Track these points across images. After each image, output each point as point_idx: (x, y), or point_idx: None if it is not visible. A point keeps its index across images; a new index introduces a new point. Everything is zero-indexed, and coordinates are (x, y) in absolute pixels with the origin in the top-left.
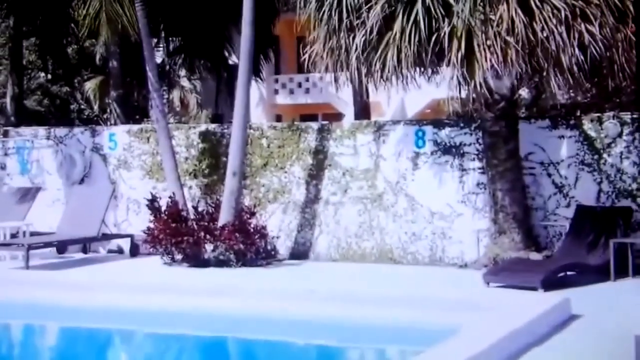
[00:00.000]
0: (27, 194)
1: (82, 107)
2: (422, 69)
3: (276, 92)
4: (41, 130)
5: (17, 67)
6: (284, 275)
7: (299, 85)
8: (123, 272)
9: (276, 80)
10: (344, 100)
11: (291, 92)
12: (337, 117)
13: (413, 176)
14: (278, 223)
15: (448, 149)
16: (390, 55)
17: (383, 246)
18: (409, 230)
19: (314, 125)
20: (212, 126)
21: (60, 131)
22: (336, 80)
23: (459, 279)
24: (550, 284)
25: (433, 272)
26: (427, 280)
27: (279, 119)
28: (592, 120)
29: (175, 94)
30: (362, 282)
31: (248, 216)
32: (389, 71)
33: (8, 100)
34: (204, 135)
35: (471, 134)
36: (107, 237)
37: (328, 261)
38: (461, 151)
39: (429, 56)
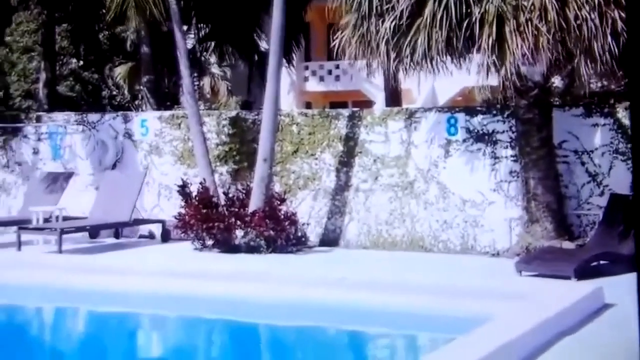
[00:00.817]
0: (60, 179)
1: (114, 93)
2: (453, 55)
3: (306, 79)
4: (74, 116)
5: (50, 54)
6: (314, 262)
7: (329, 72)
8: (154, 257)
9: (306, 68)
10: (374, 87)
11: (321, 79)
12: (367, 104)
13: (445, 164)
14: (308, 210)
15: (480, 137)
16: (420, 40)
17: (414, 234)
18: (440, 218)
19: (345, 112)
20: (243, 112)
21: (93, 117)
22: (366, 66)
23: (490, 267)
24: (583, 273)
25: (464, 261)
26: (458, 268)
27: (308, 106)
28: (626, 109)
29: (206, 81)
30: (392, 270)
31: (278, 203)
32: (419, 56)
33: (41, 86)
34: (235, 122)
35: (504, 122)
36: (138, 222)
37: (358, 248)
38: (494, 139)
39: (460, 42)
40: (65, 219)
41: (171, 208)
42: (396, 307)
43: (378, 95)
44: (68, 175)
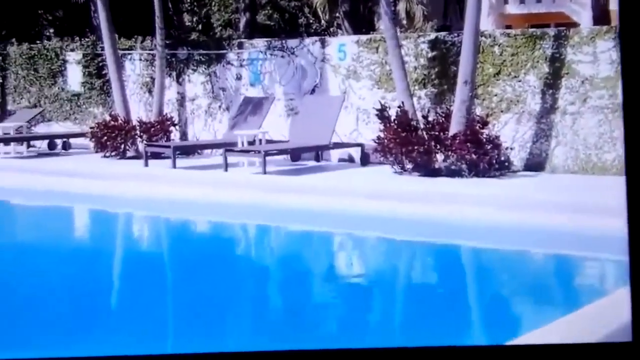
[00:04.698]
0: (262, 104)
1: (310, 21)
2: None
3: (506, 1)
4: (273, 42)
5: None
6: (519, 186)
7: None
8: (356, 179)
9: None
10: (579, 7)
11: (522, 1)
12: (572, 26)
13: None
14: (511, 134)
15: None
16: None
17: None
18: None
19: (550, 31)
20: (442, 34)
21: (292, 42)
22: None
23: None
24: None
25: None
26: None
27: (508, 29)
28: None
29: (401, 6)
30: (604, 194)
31: (480, 126)
32: None
33: (240, 14)
34: (434, 44)
35: None
36: (338, 145)
37: (566, 173)
38: None
39: None
40: (268, 142)
41: (369, 132)
42: (606, 232)
43: (583, 16)
44: (269, 100)
